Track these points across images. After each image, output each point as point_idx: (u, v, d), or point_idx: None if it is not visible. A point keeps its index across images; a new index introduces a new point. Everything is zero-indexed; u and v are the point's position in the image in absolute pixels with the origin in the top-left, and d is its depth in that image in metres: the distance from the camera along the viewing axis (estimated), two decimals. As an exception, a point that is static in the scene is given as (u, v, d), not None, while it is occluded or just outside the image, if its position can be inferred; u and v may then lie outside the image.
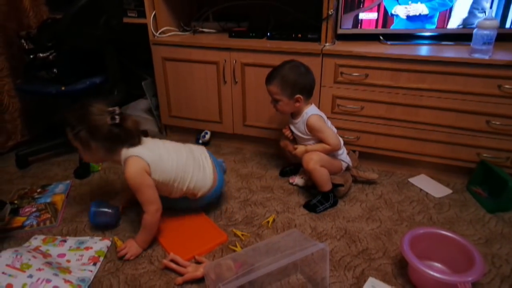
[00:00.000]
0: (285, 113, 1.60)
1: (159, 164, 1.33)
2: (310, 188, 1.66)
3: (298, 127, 1.60)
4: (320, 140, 1.57)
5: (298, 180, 1.72)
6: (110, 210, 1.47)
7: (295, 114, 1.61)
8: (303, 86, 1.51)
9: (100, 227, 1.47)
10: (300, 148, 1.60)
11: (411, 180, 1.76)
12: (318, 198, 1.56)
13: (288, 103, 1.53)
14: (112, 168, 1.93)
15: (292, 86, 1.49)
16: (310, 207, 1.55)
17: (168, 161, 1.35)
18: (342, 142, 1.59)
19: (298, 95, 1.51)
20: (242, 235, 1.42)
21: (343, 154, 1.64)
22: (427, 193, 1.66)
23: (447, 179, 1.75)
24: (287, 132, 1.69)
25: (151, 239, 1.37)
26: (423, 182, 1.74)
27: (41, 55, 1.84)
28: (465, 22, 1.67)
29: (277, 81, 1.50)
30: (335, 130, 1.62)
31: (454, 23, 1.68)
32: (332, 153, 1.58)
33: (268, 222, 1.50)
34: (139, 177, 1.28)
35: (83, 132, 1.26)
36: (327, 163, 1.55)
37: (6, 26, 1.95)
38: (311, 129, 1.55)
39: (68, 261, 1.30)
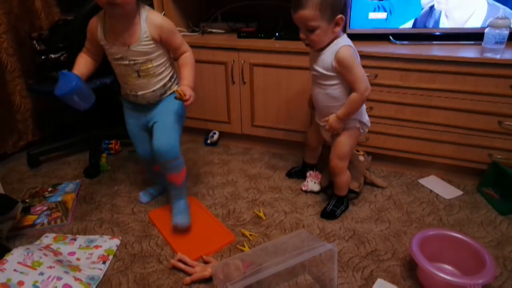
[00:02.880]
0: (320, 45, 1.28)
1: None
2: (326, 189, 1.64)
3: (323, 61, 1.31)
4: (343, 82, 1.31)
5: (311, 185, 1.68)
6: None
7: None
8: (344, 4, 1.22)
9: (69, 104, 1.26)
10: (331, 117, 1.35)
11: (421, 181, 1.74)
12: (333, 203, 1.52)
13: (327, 29, 1.23)
14: (122, 167, 1.95)
15: (333, 4, 1.19)
16: (328, 214, 1.50)
17: None
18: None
19: (340, 15, 1.21)
20: (250, 235, 1.43)
21: (364, 113, 1.43)
22: (437, 194, 1.65)
23: (458, 181, 1.73)
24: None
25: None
26: (433, 183, 1.72)
27: (52, 56, 1.86)
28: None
29: (313, 2, 1.18)
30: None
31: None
32: (363, 103, 1.32)
33: (257, 214, 1.53)
34: None
35: None
36: (350, 147, 1.44)
37: (18, 27, 1.98)
38: (340, 64, 1.26)
39: (78, 259, 1.31)
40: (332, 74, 1.31)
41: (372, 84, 1.66)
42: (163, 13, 1.97)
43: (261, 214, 1.53)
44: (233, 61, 1.88)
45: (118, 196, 1.70)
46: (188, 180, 1.80)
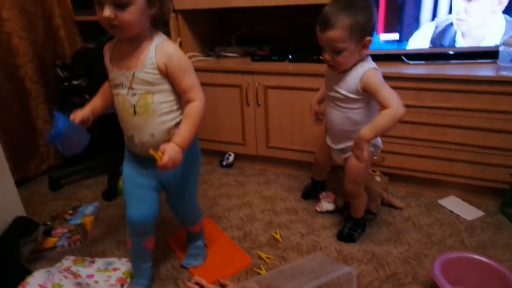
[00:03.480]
0: (346, 67, 1.24)
1: None
2: (342, 209, 1.62)
3: (347, 83, 1.25)
4: (366, 107, 1.26)
5: (326, 205, 1.67)
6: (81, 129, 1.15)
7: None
8: (373, 24, 1.18)
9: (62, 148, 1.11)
10: (363, 130, 1.18)
11: (440, 201, 1.71)
12: (349, 226, 1.49)
13: (354, 51, 1.19)
14: (139, 190, 1.98)
15: (364, 26, 1.15)
16: (346, 237, 1.47)
17: None
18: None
19: (368, 38, 1.18)
20: (267, 257, 1.41)
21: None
22: (457, 215, 1.61)
23: (479, 201, 1.69)
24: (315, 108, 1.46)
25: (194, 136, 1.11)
26: (453, 203, 1.69)
27: (74, 82, 1.95)
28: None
29: (343, 23, 1.13)
30: None
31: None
32: (397, 120, 1.17)
33: (274, 237, 1.52)
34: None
35: None
36: (365, 172, 1.39)
37: (43, 56, 2.08)
38: (366, 86, 1.21)
39: (97, 282, 1.32)
40: (356, 97, 1.26)
41: (386, 105, 1.67)
42: (179, 40, 2.04)
43: (278, 236, 1.52)
44: (248, 84, 1.92)
45: (136, 218, 1.72)
46: (207, 205, 1.81)
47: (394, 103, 1.17)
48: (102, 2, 0.94)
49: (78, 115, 1.14)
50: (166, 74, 1.05)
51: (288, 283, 1.03)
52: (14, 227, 1.47)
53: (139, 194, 1.18)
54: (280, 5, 1.77)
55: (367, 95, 1.25)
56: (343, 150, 1.41)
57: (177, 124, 1.11)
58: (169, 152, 0.99)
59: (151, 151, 1.00)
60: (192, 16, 2.06)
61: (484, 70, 1.55)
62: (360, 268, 1.34)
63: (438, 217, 1.60)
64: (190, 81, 1.07)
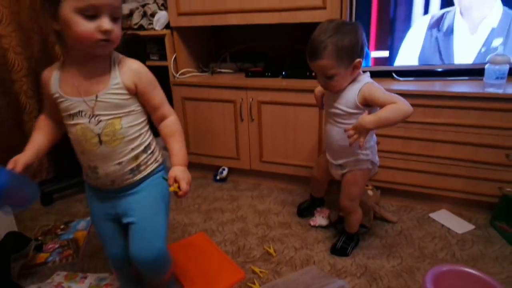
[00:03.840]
0: (340, 89, 1.27)
1: None
2: (336, 223, 1.63)
3: (346, 99, 1.27)
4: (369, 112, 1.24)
5: (319, 220, 1.67)
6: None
7: None
8: (361, 46, 1.21)
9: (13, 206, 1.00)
10: (366, 117, 1.16)
11: (432, 215, 1.73)
12: (343, 239, 1.50)
13: (345, 74, 1.22)
14: (132, 204, 1.97)
15: (350, 50, 1.18)
16: (339, 251, 1.48)
17: None
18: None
19: (358, 60, 1.21)
20: (260, 272, 1.41)
21: (375, 153, 1.39)
22: (449, 228, 1.63)
23: (469, 214, 1.71)
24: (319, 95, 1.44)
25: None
26: (444, 217, 1.71)
27: (69, 97, 1.95)
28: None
29: (330, 52, 1.17)
30: None
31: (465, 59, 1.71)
32: (403, 115, 1.18)
33: (267, 251, 1.52)
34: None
35: None
36: (361, 189, 1.42)
37: (38, 71, 2.09)
38: (366, 98, 1.23)
39: (88, 298, 1.31)
40: (356, 111, 1.27)
41: (377, 120, 1.70)
42: (174, 56, 2.07)
43: (271, 251, 1.52)
44: (242, 100, 1.95)
45: (129, 233, 1.71)
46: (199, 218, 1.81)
47: (400, 100, 1.18)
48: (99, 13, 0.83)
49: (20, 162, 0.93)
50: (136, 93, 0.96)
51: (281, 297, 1.03)
52: (5, 242, 1.46)
53: (110, 231, 1.09)
54: (274, 23, 1.82)
55: (366, 109, 1.25)
56: (341, 166, 1.43)
57: (146, 149, 1.02)
58: (183, 178, 0.95)
59: (171, 189, 0.94)
60: (187, 33, 2.10)
61: (472, 87, 1.60)
62: (353, 282, 1.34)
63: (430, 231, 1.62)
64: (160, 95, 1.01)
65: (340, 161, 1.42)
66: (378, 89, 1.23)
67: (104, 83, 0.92)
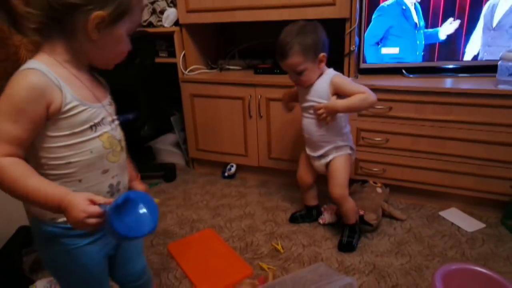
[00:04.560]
0: (310, 83, 1.39)
1: None
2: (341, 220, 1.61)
3: (317, 91, 1.40)
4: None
5: (328, 218, 1.66)
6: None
7: None
8: (323, 42, 1.35)
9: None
10: (338, 101, 1.36)
11: (442, 213, 1.71)
12: (347, 233, 1.51)
13: (313, 68, 1.36)
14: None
15: (314, 46, 1.32)
16: (345, 247, 1.48)
17: None
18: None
19: (322, 54, 1.35)
20: (268, 268, 1.42)
21: (349, 135, 1.51)
22: (458, 227, 1.61)
23: (480, 213, 1.69)
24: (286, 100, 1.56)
25: None
26: (454, 215, 1.69)
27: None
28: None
29: (296, 50, 1.31)
30: None
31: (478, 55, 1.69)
32: (369, 104, 1.36)
33: (275, 247, 1.52)
34: None
35: None
36: (347, 174, 1.47)
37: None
38: (337, 86, 1.37)
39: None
40: (329, 93, 1.39)
41: (386, 117, 1.69)
42: (183, 53, 2.08)
43: (279, 247, 1.53)
44: (250, 96, 1.95)
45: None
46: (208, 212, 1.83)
47: (366, 91, 1.35)
48: (129, 34, 0.81)
49: (100, 199, 0.71)
50: None
51: (289, 294, 1.03)
52: (17, 237, 1.48)
53: (105, 272, 0.92)
54: (283, 20, 1.81)
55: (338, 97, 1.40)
56: (323, 156, 1.49)
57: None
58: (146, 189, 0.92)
59: (157, 201, 0.81)
60: (196, 30, 2.11)
61: (484, 84, 1.57)
62: (361, 280, 1.34)
63: (439, 229, 1.61)
64: None
65: (321, 151, 1.49)
66: (347, 80, 1.40)
67: (101, 86, 0.86)
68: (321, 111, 1.38)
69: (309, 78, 1.38)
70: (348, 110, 1.39)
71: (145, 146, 2.57)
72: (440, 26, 1.67)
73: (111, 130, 0.83)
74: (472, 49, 1.68)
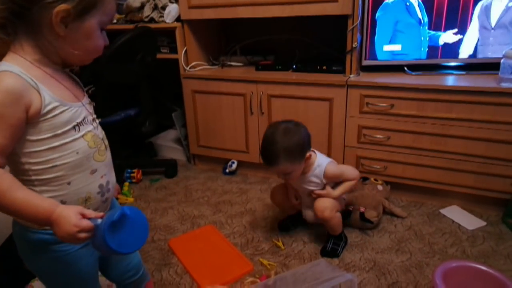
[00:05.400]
0: (297, 177, 1.41)
1: None
2: (345, 212, 1.60)
3: (312, 181, 1.44)
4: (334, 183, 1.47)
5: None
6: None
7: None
8: (307, 142, 1.36)
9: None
10: (329, 192, 1.42)
11: (442, 211, 1.71)
12: (332, 241, 1.49)
13: (300, 167, 1.37)
14: (143, 196, 2.00)
15: (300, 150, 1.33)
16: (329, 253, 1.46)
17: None
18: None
19: (308, 153, 1.38)
20: (269, 264, 1.42)
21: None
22: (459, 225, 1.61)
23: (481, 211, 1.69)
24: (294, 201, 1.57)
25: None
26: (455, 213, 1.69)
27: (81, 89, 1.98)
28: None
29: (283, 158, 1.30)
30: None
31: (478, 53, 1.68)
32: (356, 184, 1.48)
33: (276, 244, 1.52)
34: None
35: None
36: (338, 206, 1.46)
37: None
38: (332, 177, 1.43)
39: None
40: (321, 187, 1.45)
41: (388, 114, 1.69)
42: (184, 49, 2.08)
43: (280, 244, 1.53)
44: (251, 93, 1.94)
45: (139, 224, 1.73)
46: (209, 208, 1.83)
47: (355, 177, 1.44)
48: (104, 28, 0.78)
49: (90, 213, 0.69)
50: None
51: (289, 290, 1.04)
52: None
53: (96, 274, 0.93)
54: (285, 16, 1.81)
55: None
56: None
57: None
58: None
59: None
60: (197, 26, 2.10)
61: (486, 82, 1.57)
62: (362, 276, 1.35)
63: (440, 227, 1.61)
64: None
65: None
66: (337, 169, 1.44)
67: (78, 85, 0.86)
68: (319, 193, 1.44)
69: (296, 176, 1.40)
70: (341, 195, 1.46)
71: (146, 142, 2.57)
72: (444, 31, 1.66)
73: (93, 129, 0.81)
74: (473, 47, 1.67)
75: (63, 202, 0.75)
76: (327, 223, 1.44)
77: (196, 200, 1.93)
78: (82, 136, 0.78)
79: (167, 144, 2.51)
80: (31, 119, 0.69)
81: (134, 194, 2.01)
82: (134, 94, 2.05)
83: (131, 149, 2.48)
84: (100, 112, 2.14)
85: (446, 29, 1.66)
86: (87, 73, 2.02)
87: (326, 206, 1.40)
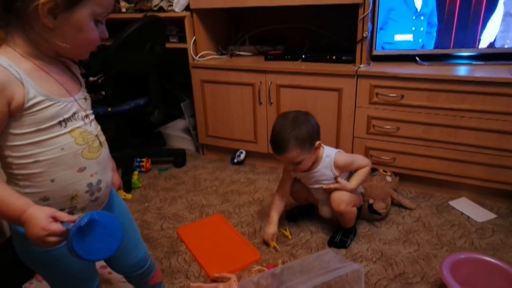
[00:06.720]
0: (307, 168, 1.41)
1: None
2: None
3: (323, 175, 1.43)
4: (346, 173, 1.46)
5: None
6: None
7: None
8: (316, 132, 1.36)
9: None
10: (345, 185, 1.41)
11: (452, 203, 1.70)
12: (341, 233, 1.49)
13: (310, 157, 1.37)
14: (152, 185, 2.02)
15: (309, 137, 1.32)
16: (338, 244, 1.47)
17: None
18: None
19: (317, 142, 1.37)
20: (274, 247, 1.43)
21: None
22: (468, 217, 1.60)
23: (491, 203, 1.68)
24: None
25: None
26: (465, 205, 1.68)
27: (91, 78, 1.99)
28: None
29: (292, 145, 1.30)
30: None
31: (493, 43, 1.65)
32: (369, 173, 1.46)
33: (283, 233, 1.53)
34: None
35: None
36: (355, 200, 1.45)
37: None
38: (343, 167, 1.42)
39: (110, 273, 1.36)
40: (332, 180, 1.43)
41: (398, 105, 1.68)
42: (193, 38, 2.07)
43: (287, 233, 1.54)
44: (260, 83, 1.94)
45: (148, 212, 1.76)
46: (217, 198, 1.85)
47: (366, 163, 1.43)
48: (102, 20, 0.75)
49: (64, 217, 0.68)
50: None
51: (296, 279, 1.04)
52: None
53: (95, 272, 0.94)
54: (294, 5, 1.79)
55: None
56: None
57: None
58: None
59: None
60: (206, 15, 2.09)
61: (499, 72, 1.54)
62: (369, 267, 1.35)
63: (449, 218, 1.60)
64: None
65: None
66: (348, 158, 1.44)
67: (76, 79, 0.83)
68: (334, 186, 1.42)
69: (306, 165, 1.39)
70: (358, 186, 1.44)
71: (155, 132, 2.59)
72: (457, 20, 1.62)
73: (84, 125, 0.79)
74: (489, 36, 1.63)
75: (46, 199, 0.75)
76: (342, 217, 1.44)
77: (205, 190, 1.95)
78: (69, 132, 0.76)
79: (176, 134, 2.53)
80: (13, 113, 0.69)
81: (143, 183, 2.03)
82: (143, 83, 2.06)
83: (140, 138, 2.50)
84: (110, 101, 2.17)
85: (460, 18, 1.63)
86: (97, 63, 2.03)
87: (343, 200, 1.39)
